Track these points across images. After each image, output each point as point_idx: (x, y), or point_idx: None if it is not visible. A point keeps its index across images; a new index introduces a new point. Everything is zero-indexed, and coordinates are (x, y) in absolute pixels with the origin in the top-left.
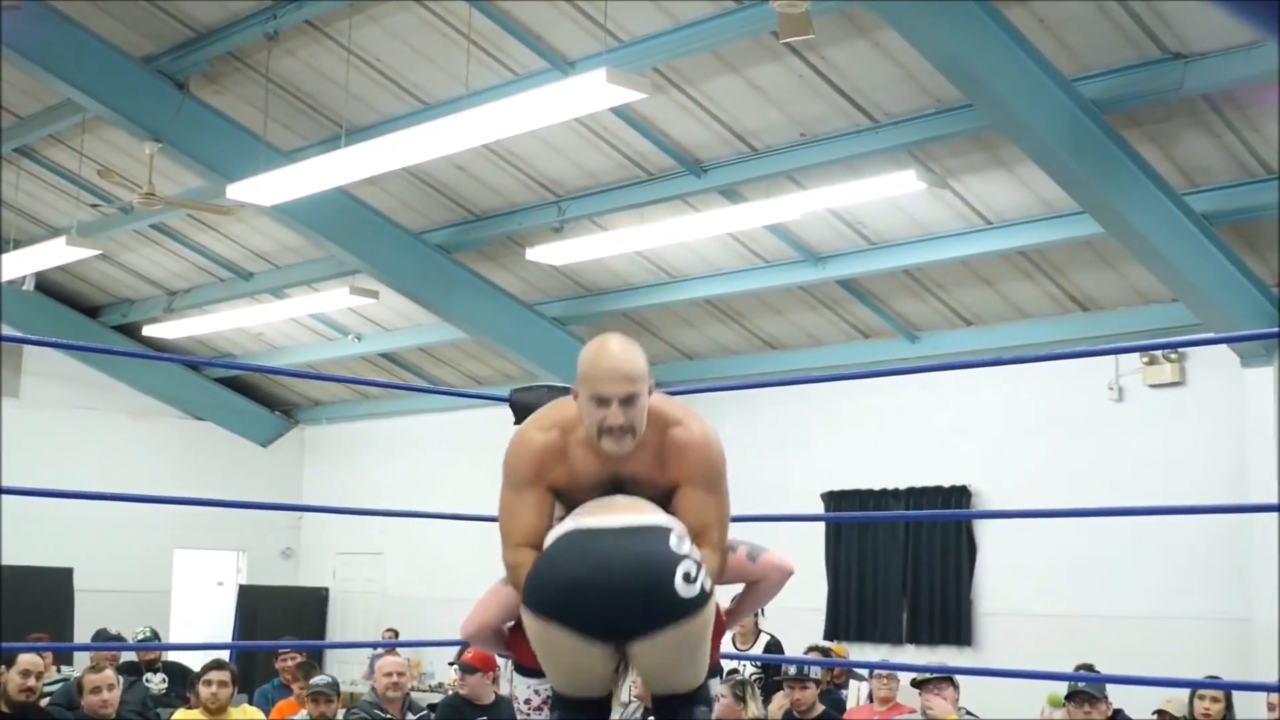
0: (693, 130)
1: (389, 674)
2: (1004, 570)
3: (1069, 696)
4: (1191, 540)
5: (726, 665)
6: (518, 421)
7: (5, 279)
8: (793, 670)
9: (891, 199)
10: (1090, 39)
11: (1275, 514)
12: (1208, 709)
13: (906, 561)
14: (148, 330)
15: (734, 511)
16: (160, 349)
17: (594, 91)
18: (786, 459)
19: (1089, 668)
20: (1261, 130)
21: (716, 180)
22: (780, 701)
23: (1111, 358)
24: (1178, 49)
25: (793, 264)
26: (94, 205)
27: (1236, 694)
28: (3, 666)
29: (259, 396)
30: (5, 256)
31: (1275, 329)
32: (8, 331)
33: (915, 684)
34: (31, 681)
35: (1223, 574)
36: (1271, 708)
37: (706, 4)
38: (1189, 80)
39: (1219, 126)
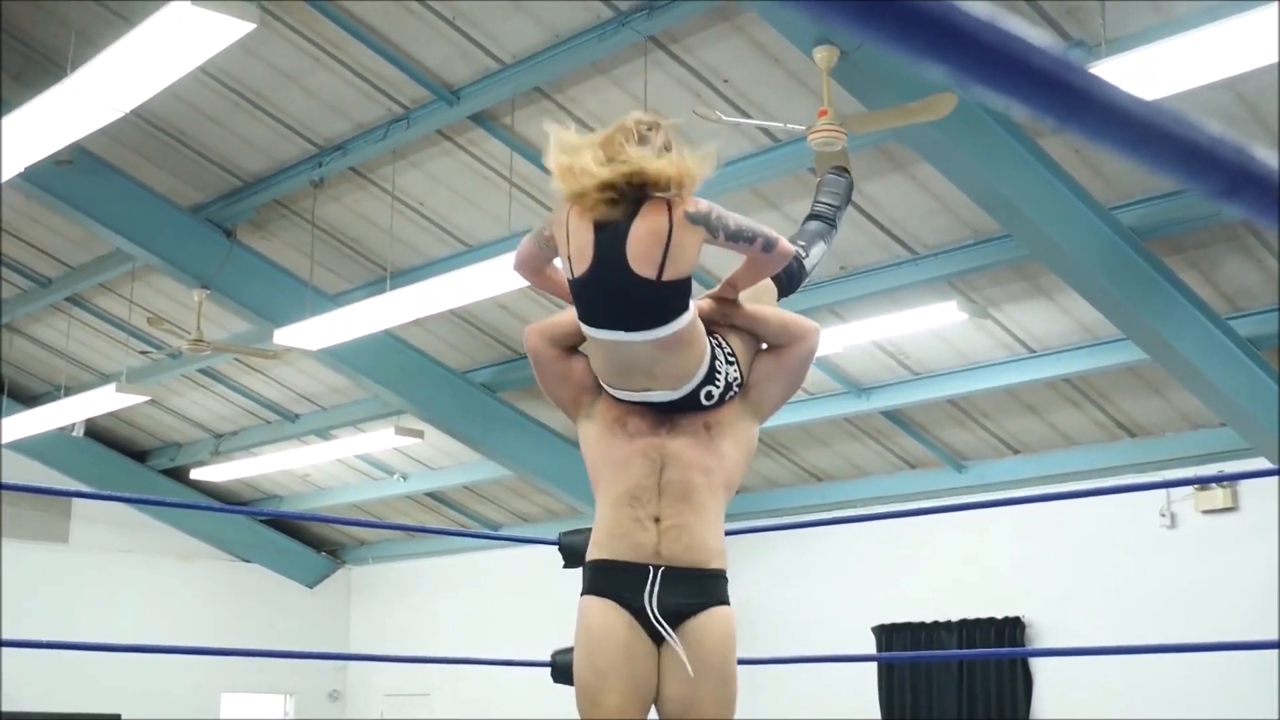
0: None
1: None
2: (1061, 701)
3: None
4: (1255, 664)
5: None
6: (567, 565)
7: (56, 426)
8: None
9: (934, 329)
10: (1126, 167)
11: None
12: None
13: (961, 695)
14: (195, 474)
15: (785, 652)
16: (207, 492)
17: None
18: (836, 591)
19: None
20: None
21: None
22: None
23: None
24: None
25: (837, 396)
26: (143, 352)
27: None
28: None
29: (305, 538)
30: (57, 404)
31: None
32: (59, 478)
33: None
34: None
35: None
36: None
37: (746, 143)
38: (1225, 207)
39: (1260, 251)
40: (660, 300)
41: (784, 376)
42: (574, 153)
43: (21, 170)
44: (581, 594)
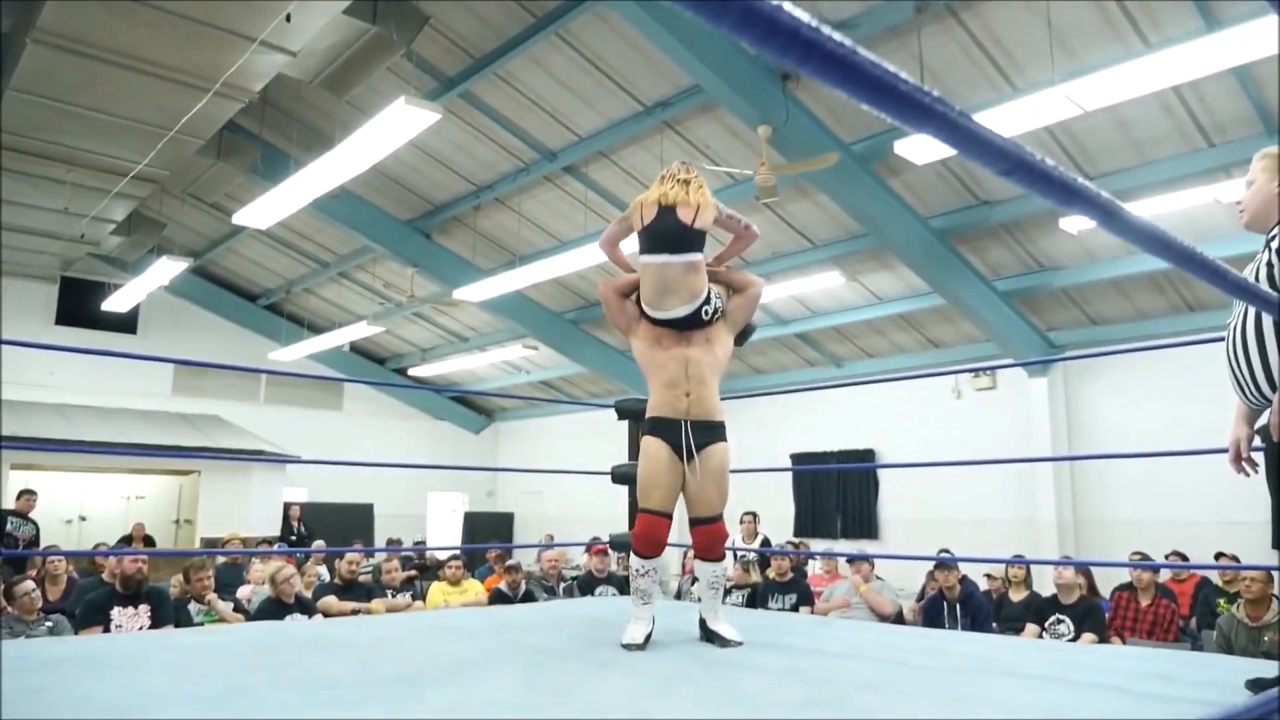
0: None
1: (550, 560)
2: (895, 495)
3: (936, 567)
4: (1003, 477)
5: (740, 553)
6: (620, 418)
7: (334, 345)
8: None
9: (824, 289)
10: (938, 194)
11: (1049, 462)
12: (1016, 573)
13: (839, 491)
14: (411, 370)
15: (739, 465)
16: (420, 381)
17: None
18: (770, 432)
19: (947, 551)
20: (1038, 243)
21: None
22: (771, 570)
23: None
24: (986, 198)
25: (770, 325)
26: (381, 302)
27: (1033, 567)
28: (339, 560)
29: (473, 406)
30: (335, 333)
31: (1045, 356)
32: (335, 373)
33: (848, 561)
34: (354, 567)
35: (1020, 495)
36: (1058, 576)
37: (718, 182)
38: (993, 216)
39: (1011, 241)
40: (690, 238)
41: (745, 307)
42: (654, 185)
43: (311, 201)
44: (643, 434)
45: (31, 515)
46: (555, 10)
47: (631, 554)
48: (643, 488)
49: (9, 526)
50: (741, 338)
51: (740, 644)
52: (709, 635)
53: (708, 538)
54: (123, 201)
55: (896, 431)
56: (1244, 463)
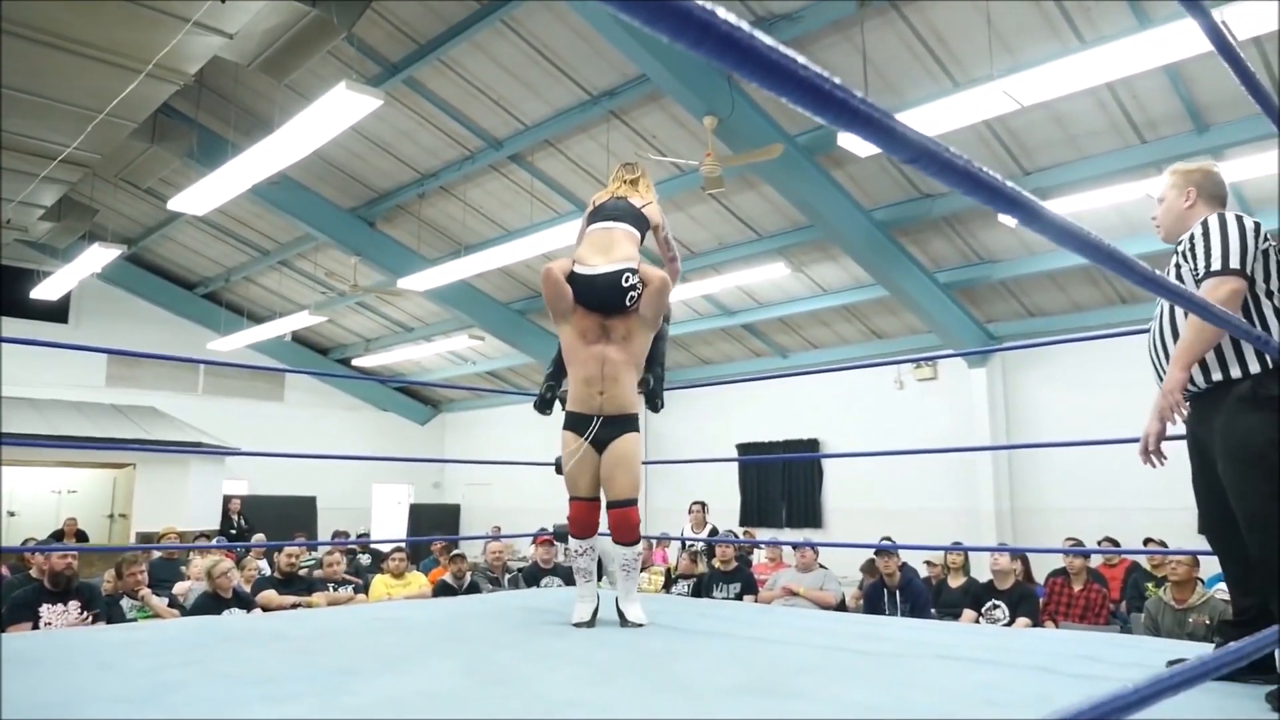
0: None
1: (495, 552)
2: (839, 485)
3: (876, 554)
4: (944, 466)
5: (688, 543)
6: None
7: (276, 335)
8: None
9: (771, 280)
10: (880, 186)
11: (988, 451)
12: (954, 560)
13: (784, 480)
14: (355, 361)
15: (682, 455)
16: (364, 372)
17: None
18: (716, 423)
19: (889, 538)
20: (978, 236)
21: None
22: (716, 559)
23: (895, 365)
24: (928, 191)
25: (715, 316)
26: (323, 292)
27: (971, 554)
28: (279, 554)
29: (419, 397)
30: (276, 322)
31: (983, 347)
32: (276, 364)
33: (793, 548)
34: (294, 560)
35: (960, 483)
36: (995, 563)
37: (664, 172)
38: (934, 209)
39: (951, 234)
40: (637, 215)
41: (654, 298)
42: (609, 179)
43: (249, 187)
44: (563, 428)
45: None
46: None
47: (569, 537)
48: (568, 476)
49: None
50: (652, 398)
51: (642, 625)
52: (620, 616)
53: (617, 520)
54: (52, 186)
55: (840, 421)
56: (1153, 455)
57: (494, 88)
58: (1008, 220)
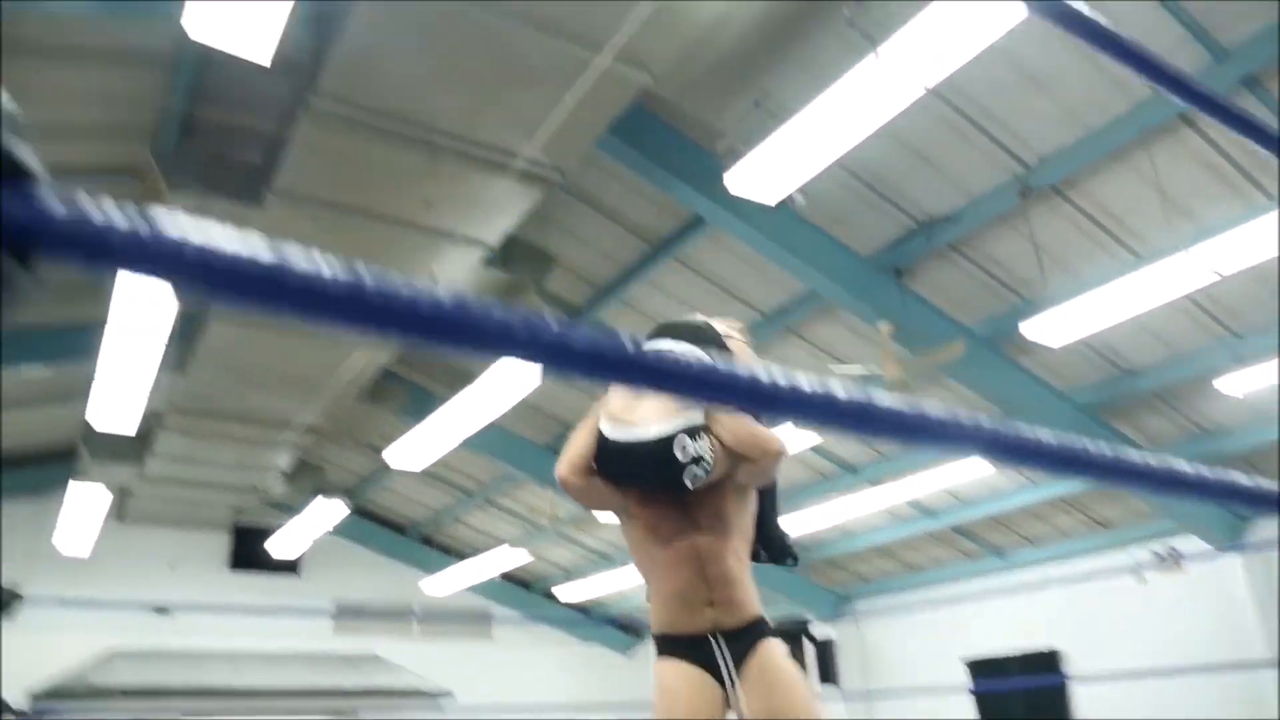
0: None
1: None
2: (1093, 700)
3: None
4: (1213, 673)
5: None
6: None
7: (489, 574)
8: None
9: (975, 479)
10: (1075, 368)
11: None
12: None
13: (1026, 708)
14: (555, 589)
15: (904, 677)
16: (562, 604)
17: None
18: (940, 639)
19: None
20: (1196, 406)
21: None
22: None
23: (1131, 556)
24: (1128, 368)
25: (918, 519)
26: (524, 526)
27: None
28: None
29: (620, 625)
30: (480, 558)
31: (1234, 529)
32: (491, 605)
33: None
34: None
35: (1242, 693)
36: None
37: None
38: (1139, 384)
39: (1164, 408)
40: (705, 335)
41: (757, 477)
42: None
43: (461, 441)
44: (657, 659)
45: None
46: (670, 237)
47: None
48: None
49: None
50: (782, 556)
51: None
52: None
53: None
54: (288, 450)
55: (1079, 627)
56: None
57: (672, 319)
58: (1233, 389)
